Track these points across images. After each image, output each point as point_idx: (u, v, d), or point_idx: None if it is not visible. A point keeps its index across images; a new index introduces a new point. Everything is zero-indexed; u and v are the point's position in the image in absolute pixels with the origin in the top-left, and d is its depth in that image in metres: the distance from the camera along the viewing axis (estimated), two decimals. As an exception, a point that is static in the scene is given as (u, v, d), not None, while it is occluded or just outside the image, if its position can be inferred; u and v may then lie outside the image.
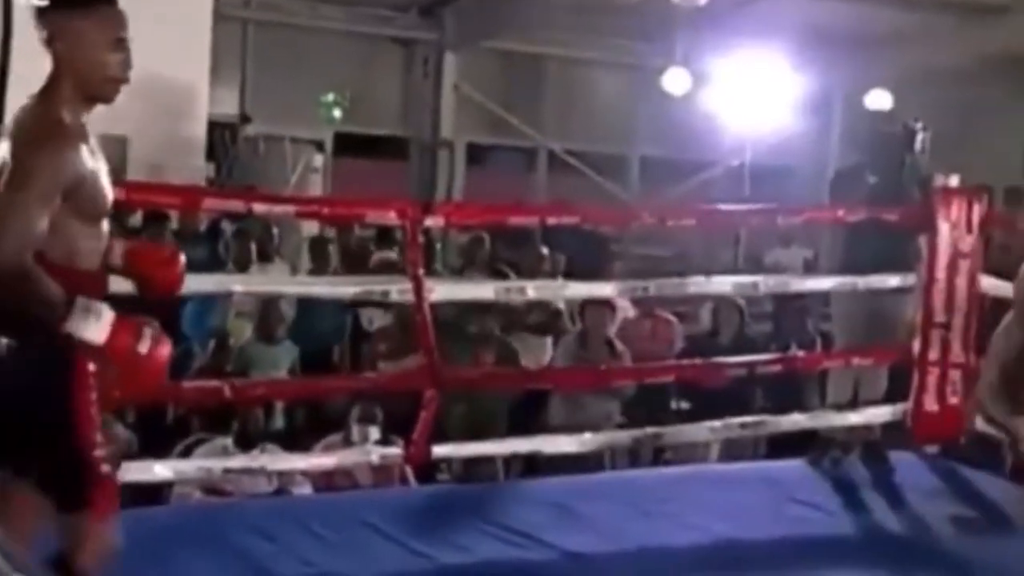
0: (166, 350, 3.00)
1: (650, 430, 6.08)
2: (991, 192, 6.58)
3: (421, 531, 4.60)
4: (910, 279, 6.02)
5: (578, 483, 5.59)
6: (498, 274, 8.13)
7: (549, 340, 8.13)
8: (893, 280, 5.99)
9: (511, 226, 7.97)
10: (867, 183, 6.24)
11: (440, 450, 5.33)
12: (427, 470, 6.23)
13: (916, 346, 6.05)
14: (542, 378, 7.25)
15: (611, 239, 11.05)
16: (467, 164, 13.25)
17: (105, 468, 3.04)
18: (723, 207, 7.37)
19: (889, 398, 6.18)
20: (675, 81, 11.19)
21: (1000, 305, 6.39)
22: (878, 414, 6.09)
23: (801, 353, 7.53)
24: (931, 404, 6.00)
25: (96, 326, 2.91)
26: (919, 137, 6.18)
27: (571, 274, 8.61)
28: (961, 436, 6.09)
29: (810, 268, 10.28)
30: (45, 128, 3.00)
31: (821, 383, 6.69)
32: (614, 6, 8.68)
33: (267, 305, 7.46)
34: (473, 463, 6.54)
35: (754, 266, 10.26)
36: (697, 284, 6.28)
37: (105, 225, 3.18)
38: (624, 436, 6.16)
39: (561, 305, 7.94)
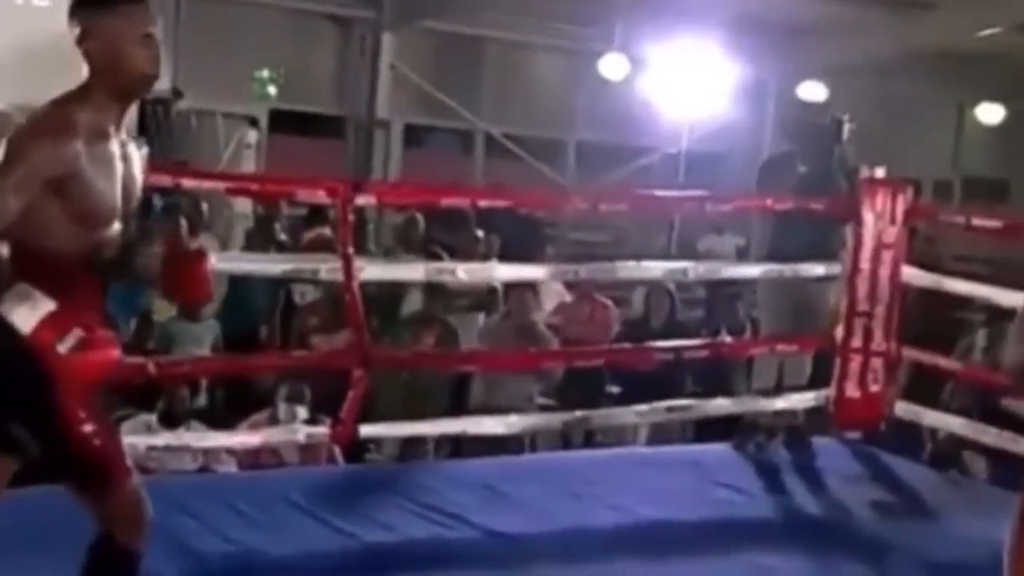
0: (96, 356, 2.99)
1: (579, 413, 6.13)
2: (919, 185, 6.66)
3: (345, 510, 4.61)
4: (835, 268, 6.09)
5: (507, 464, 5.65)
6: (432, 256, 8.12)
7: (482, 317, 8.19)
8: (819, 269, 6.06)
9: (445, 208, 7.98)
10: (796, 172, 6.32)
11: (367, 430, 5.33)
12: (356, 450, 6.24)
13: (839, 334, 6.11)
14: (471, 360, 7.26)
15: (546, 223, 11.11)
16: (404, 145, 13.13)
17: (97, 441, 2.99)
18: (655, 193, 7.44)
19: (812, 384, 6.26)
20: (613, 67, 11.24)
21: (923, 295, 6.52)
22: (801, 400, 6.16)
23: (729, 339, 7.62)
24: (853, 391, 6.07)
25: (26, 314, 2.90)
26: (845, 128, 6.25)
27: (505, 257, 8.61)
28: (881, 422, 6.19)
29: (742, 255, 10.37)
30: (45, 120, 2.99)
31: (748, 369, 6.78)
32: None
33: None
34: (406, 444, 6.54)
35: (688, 252, 10.31)
36: (627, 269, 6.28)
37: (108, 230, 3.10)
38: (554, 419, 6.15)
39: (497, 284, 7.96)
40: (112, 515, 3.04)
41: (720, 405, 6.22)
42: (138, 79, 3.13)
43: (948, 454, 6.52)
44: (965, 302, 7.14)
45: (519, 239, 9.78)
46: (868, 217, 6.00)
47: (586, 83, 11.94)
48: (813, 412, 6.18)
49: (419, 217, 9.49)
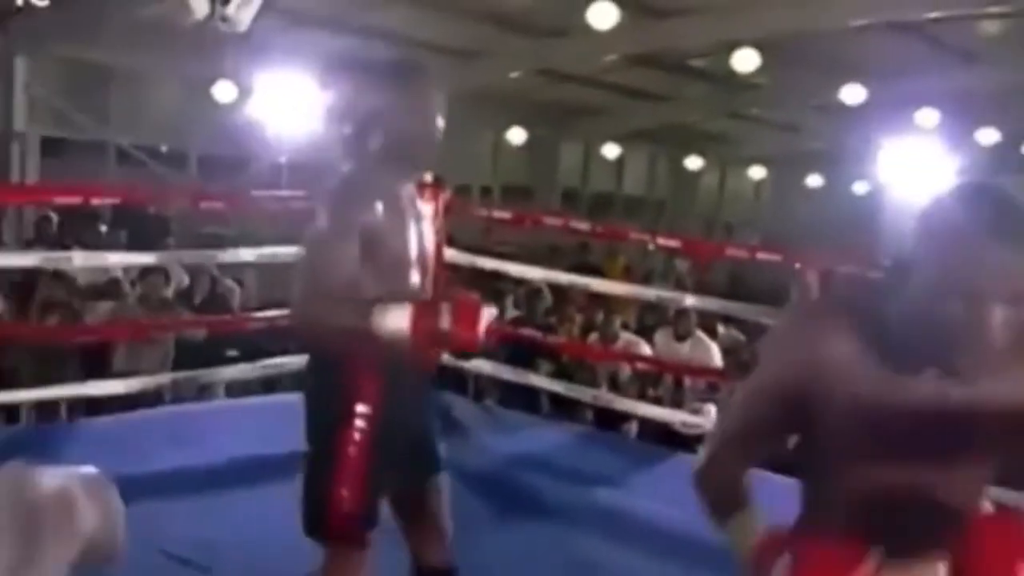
0: (472, 316, 2.72)
1: (192, 372, 6.09)
2: (469, 189, 6.97)
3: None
4: None
5: (128, 418, 5.43)
6: (65, 248, 7.88)
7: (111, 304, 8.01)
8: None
9: (77, 208, 7.82)
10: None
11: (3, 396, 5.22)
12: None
13: None
14: (88, 332, 7.14)
15: (172, 219, 11.04)
16: (42, 157, 12.41)
17: (347, 507, 2.76)
18: (253, 193, 7.46)
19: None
20: (224, 91, 11.44)
21: (474, 271, 6.86)
22: None
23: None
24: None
25: (397, 317, 2.65)
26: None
27: (132, 248, 8.49)
28: (433, 370, 6.42)
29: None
30: (350, 187, 2.85)
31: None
32: (172, 27, 8.63)
33: None
34: (40, 408, 6.31)
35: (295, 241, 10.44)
36: (230, 255, 6.38)
37: (415, 275, 2.86)
38: (164, 378, 6.03)
39: (119, 274, 7.84)
40: (323, 570, 2.84)
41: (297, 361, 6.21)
42: (425, 147, 2.94)
43: (482, 389, 7.03)
44: (500, 276, 7.55)
45: (143, 233, 9.70)
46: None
47: (203, 105, 11.86)
48: None
49: (52, 215, 9.30)
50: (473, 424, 5.90)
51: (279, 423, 5.25)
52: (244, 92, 10.89)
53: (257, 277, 9.30)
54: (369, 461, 2.77)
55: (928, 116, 12.08)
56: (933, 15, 9.30)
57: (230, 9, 7.94)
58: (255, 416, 5.62)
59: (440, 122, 2.95)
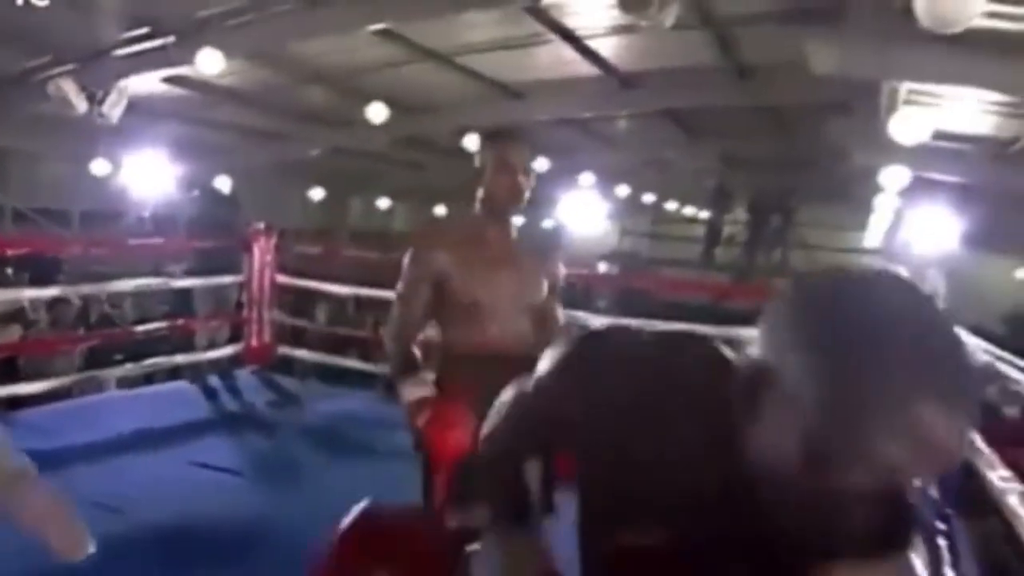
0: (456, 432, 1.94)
1: (91, 373, 5.87)
2: (282, 231, 6.79)
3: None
4: (241, 277, 6.20)
5: (47, 409, 5.09)
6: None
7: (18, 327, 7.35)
8: (229, 278, 6.24)
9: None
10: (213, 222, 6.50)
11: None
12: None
13: (245, 312, 6.24)
14: (11, 348, 6.54)
15: (64, 261, 10.22)
16: None
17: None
18: (129, 241, 7.17)
19: (232, 340, 6.43)
20: (100, 167, 10.67)
21: (285, 289, 6.74)
22: (226, 351, 6.24)
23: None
24: (254, 342, 6.23)
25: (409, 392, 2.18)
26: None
27: (33, 283, 7.84)
28: (271, 360, 6.32)
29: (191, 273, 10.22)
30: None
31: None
32: (61, 119, 8.06)
33: None
34: None
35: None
36: (115, 286, 6.04)
37: (480, 316, 2.27)
38: (67, 380, 5.60)
39: (26, 304, 7.23)
40: None
41: (184, 358, 6.12)
42: (499, 201, 2.34)
43: (306, 370, 6.93)
44: (315, 292, 7.48)
45: (42, 272, 8.95)
46: (255, 248, 6.14)
47: (85, 175, 11.01)
48: (234, 357, 6.24)
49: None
50: (302, 394, 5.85)
51: (159, 407, 5.27)
52: (115, 166, 10.22)
53: (132, 301, 8.79)
54: None
55: (587, 178, 12.78)
56: (588, 115, 9.92)
57: (104, 107, 7.58)
58: (141, 402, 5.44)
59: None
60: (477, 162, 2.37)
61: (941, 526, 3.06)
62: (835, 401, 0.82)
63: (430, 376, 2.30)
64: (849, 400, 0.81)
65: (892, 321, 0.82)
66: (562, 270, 2.53)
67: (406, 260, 2.38)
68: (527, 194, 2.34)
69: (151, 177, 9.45)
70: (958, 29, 3.67)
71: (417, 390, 2.16)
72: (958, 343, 0.84)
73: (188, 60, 6.59)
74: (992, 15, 4.13)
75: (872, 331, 0.82)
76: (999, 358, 3.51)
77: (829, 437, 0.83)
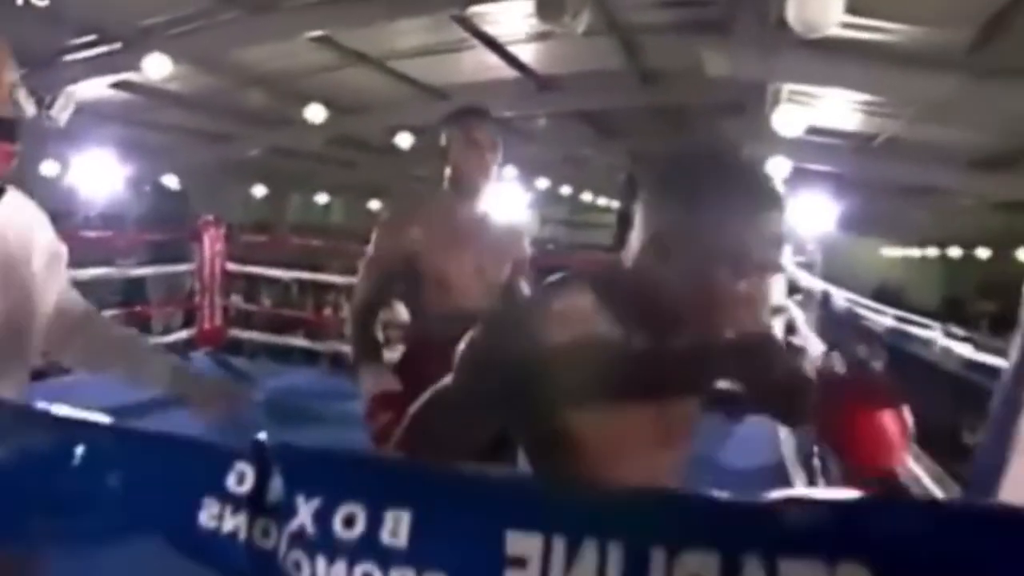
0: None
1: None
2: (229, 224, 6.73)
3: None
4: (193, 265, 6.15)
5: None
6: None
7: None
8: (182, 267, 6.18)
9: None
10: (163, 217, 6.38)
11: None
12: None
13: (198, 298, 6.12)
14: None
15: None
16: None
17: None
18: (84, 233, 7.00)
19: (186, 325, 6.37)
20: (49, 167, 10.32)
21: (233, 276, 6.69)
22: (181, 335, 6.23)
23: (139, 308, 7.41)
24: (207, 326, 6.17)
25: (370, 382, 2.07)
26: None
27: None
28: (223, 342, 6.25)
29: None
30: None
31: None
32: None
33: None
34: None
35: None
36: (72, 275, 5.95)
37: (449, 290, 2.11)
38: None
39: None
40: None
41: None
42: (463, 178, 2.17)
43: (255, 349, 6.91)
44: (261, 278, 7.43)
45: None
46: (205, 238, 6.10)
47: (35, 176, 10.60)
48: (188, 340, 6.17)
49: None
50: (252, 372, 5.83)
51: (117, 388, 5.14)
52: (64, 167, 9.91)
53: (85, 291, 8.56)
54: None
55: (509, 171, 12.84)
56: (509, 114, 10.03)
57: (53, 111, 7.36)
58: (102, 384, 5.25)
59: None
60: (443, 140, 2.18)
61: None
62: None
63: (392, 356, 2.25)
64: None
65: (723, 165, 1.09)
66: (528, 250, 2.38)
67: (375, 234, 2.20)
68: (495, 169, 2.18)
69: (99, 177, 9.23)
70: (823, 33, 3.98)
71: (378, 381, 2.02)
72: (769, 179, 1.09)
73: (135, 66, 6.50)
74: (848, 26, 4.47)
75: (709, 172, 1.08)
76: (857, 303, 3.80)
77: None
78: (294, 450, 0.61)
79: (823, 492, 0.68)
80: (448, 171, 2.18)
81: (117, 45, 6.61)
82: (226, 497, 0.60)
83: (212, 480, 0.61)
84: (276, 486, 0.58)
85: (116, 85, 8.04)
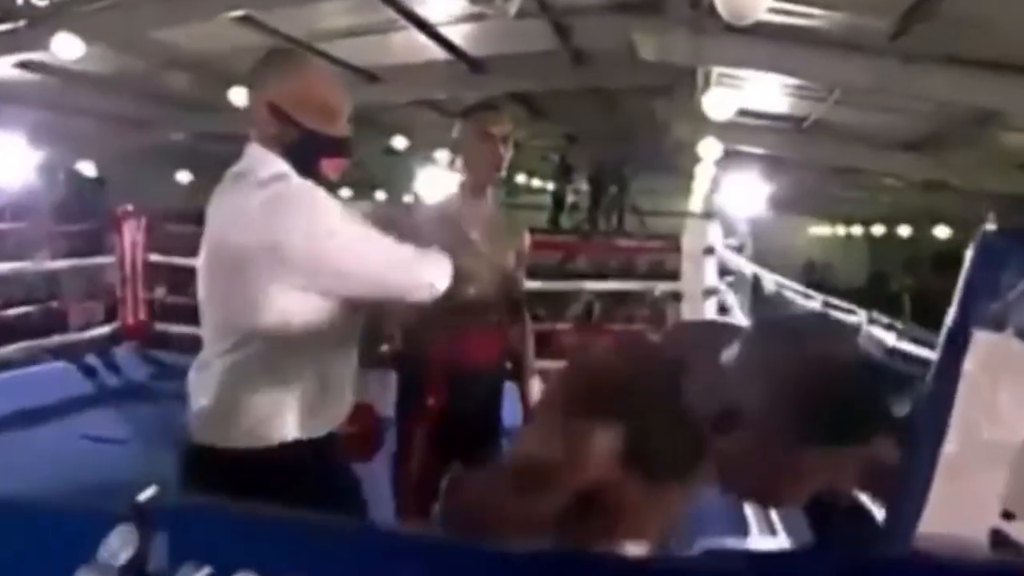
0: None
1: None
2: (152, 212, 6.46)
3: None
4: (112, 258, 5.84)
5: None
6: None
7: None
8: (100, 259, 5.90)
9: None
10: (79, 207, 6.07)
11: None
12: None
13: (119, 292, 5.87)
14: None
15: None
16: None
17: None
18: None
19: (108, 320, 6.10)
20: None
21: (157, 267, 6.44)
22: (103, 330, 5.87)
23: (56, 304, 7.06)
24: (130, 320, 5.93)
25: None
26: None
27: None
28: (149, 336, 5.96)
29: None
30: None
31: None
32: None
33: None
34: None
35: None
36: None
37: (458, 277, 1.84)
38: None
39: None
40: None
41: (59, 339, 5.59)
42: (477, 172, 2.26)
43: (195, 345, 6.65)
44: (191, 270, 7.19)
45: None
46: (125, 229, 5.84)
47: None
48: (111, 336, 5.85)
49: None
50: (181, 366, 5.59)
51: (40, 386, 4.89)
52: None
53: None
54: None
55: (443, 155, 12.75)
56: (441, 96, 9.91)
57: (-46, 93, 6.96)
58: (20, 382, 4.96)
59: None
60: (456, 133, 2.30)
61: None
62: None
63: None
64: None
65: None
66: (528, 243, 2.48)
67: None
68: (506, 163, 2.27)
69: (8, 164, 8.75)
70: (750, 21, 4.02)
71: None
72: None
73: (43, 45, 6.16)
74: (775, 11, 4.53)
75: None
76: (785, 287, 3.90)
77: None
78: (181, 511, 0.56)
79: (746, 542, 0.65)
80: (460, 164, 2.29)
81: (21, 23, 6.25)
82: (102, 570, 0.54)
83: (86, 549, 0.54)
84: (159, 553, 0.53)
85: (26, 66, 7.62)
